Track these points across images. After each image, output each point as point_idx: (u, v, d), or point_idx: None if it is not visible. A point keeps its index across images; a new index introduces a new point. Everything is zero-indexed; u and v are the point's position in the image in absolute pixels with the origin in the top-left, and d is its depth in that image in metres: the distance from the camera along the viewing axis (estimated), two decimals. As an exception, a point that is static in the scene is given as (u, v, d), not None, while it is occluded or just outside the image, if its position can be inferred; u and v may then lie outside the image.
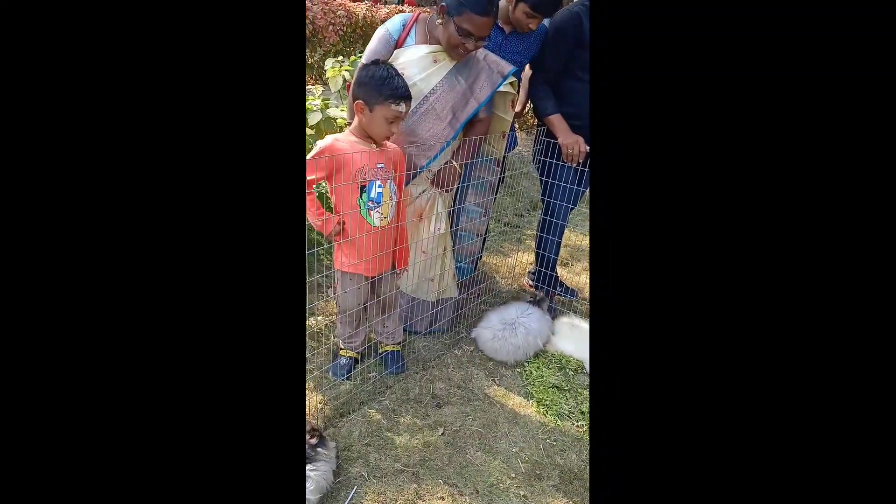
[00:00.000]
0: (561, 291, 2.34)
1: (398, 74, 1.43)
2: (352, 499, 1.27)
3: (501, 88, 1.75)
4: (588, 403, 1.70)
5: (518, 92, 2.08)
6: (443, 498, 1.30)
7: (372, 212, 1.50)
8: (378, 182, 1.49)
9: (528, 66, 2.05)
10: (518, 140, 2.29)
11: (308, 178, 1.38)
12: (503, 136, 1.89)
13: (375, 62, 1.49)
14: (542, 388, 1.74)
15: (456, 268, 2.15)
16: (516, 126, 2.45)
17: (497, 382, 1.76)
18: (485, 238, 2.23)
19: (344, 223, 1.49)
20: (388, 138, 1.49)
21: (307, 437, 1.26)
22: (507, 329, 1.84)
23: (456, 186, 1.81)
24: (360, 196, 1.48)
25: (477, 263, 2.25)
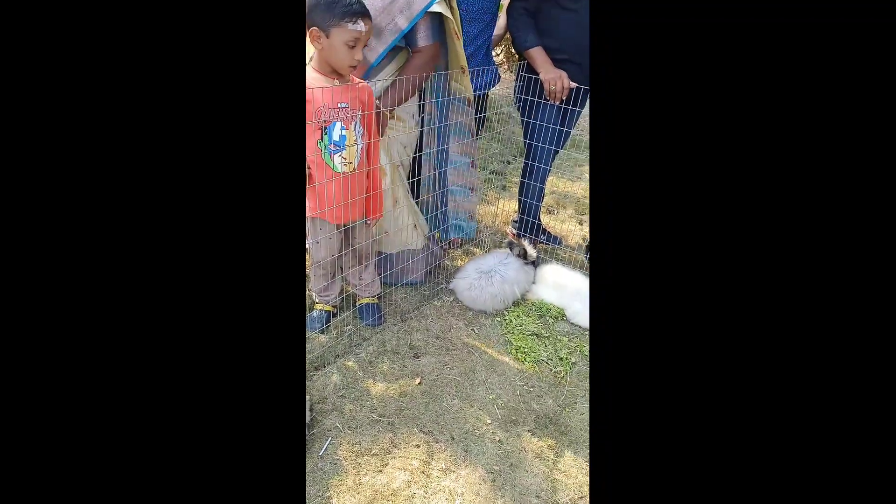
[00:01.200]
0: (545, 239, 2.29)
1: None
2: (325, 450, 1.27)
3: (445, 13, 1.54)
4: (566, 350, 1.69)
5: (493, 22, 1.93)
6: (418, 445, 1.30)
7: (334, 156, 1.41)
8: (340, 123, 1.38)
9: None
10: (500, 75, 2.14)
11: None
12: (465, 72, 1.73)
13: None
14: (520, 335, 1.72)
15: (453, 226, 2.08)
16: (494, 59, 2.31)
17: (476, 332, 1.74)
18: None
19: (309, 167, 1.40)
20: (353, 68, 1.35)
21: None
22: (484, 278, 1.80)
23: (385, 134, 1.64)
24: (322, 139, 1.38)
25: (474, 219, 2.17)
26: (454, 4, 1.59)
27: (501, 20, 2.17)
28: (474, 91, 1.91)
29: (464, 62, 1.69)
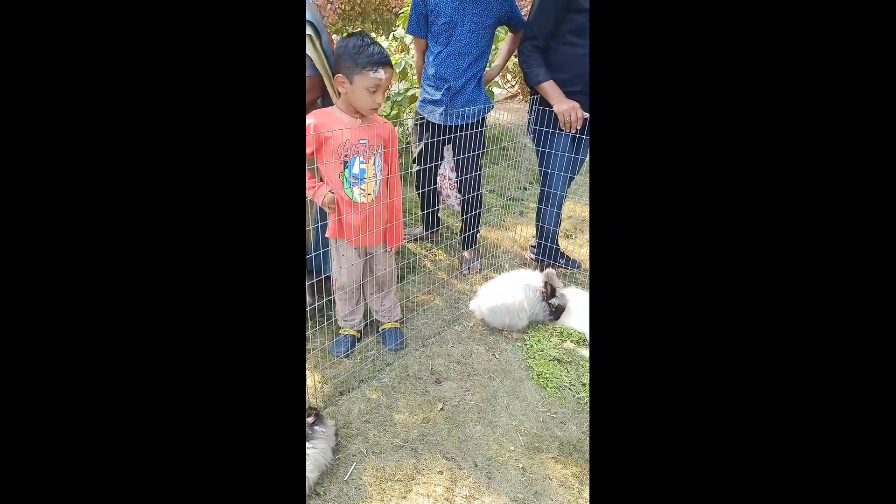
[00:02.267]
0: (563, 263, 2.30)
1: (374, 42, 1.38)
2: (350, 475, 1.28)
3: (310, 53, 1.50)
4: (588, 375, 1.68)
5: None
6: (441, 472, 1.31)
7: (354, 188, 1.48)
8: (360, 158, 1.46)
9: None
10: (492, 104, 2.18)
11: None
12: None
13: (350, 34, 1.43)
14: (542, 361, 1.73)
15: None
16: (509, 91, 2.40)
17: (497, 357, 1.75)
18: (479, 213, 2.20)
19: (335, 193, 1.47)
20: (374, 110, 1.45)
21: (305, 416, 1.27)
22: (505, 292, 1.82)
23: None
24: (343, 172, 1.46)
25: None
26: (317, 45, 1.54)
27: (499, 57, 2.26)
28: (466, 120, 1.99)
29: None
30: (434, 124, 2.04)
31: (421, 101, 2.08)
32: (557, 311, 1.89)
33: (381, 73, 1.37)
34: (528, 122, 2.10)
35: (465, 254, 2.26)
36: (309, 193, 1.47)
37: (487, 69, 2.14)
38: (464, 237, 2.24)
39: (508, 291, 1.82)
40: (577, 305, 1.92)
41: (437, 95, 1.98)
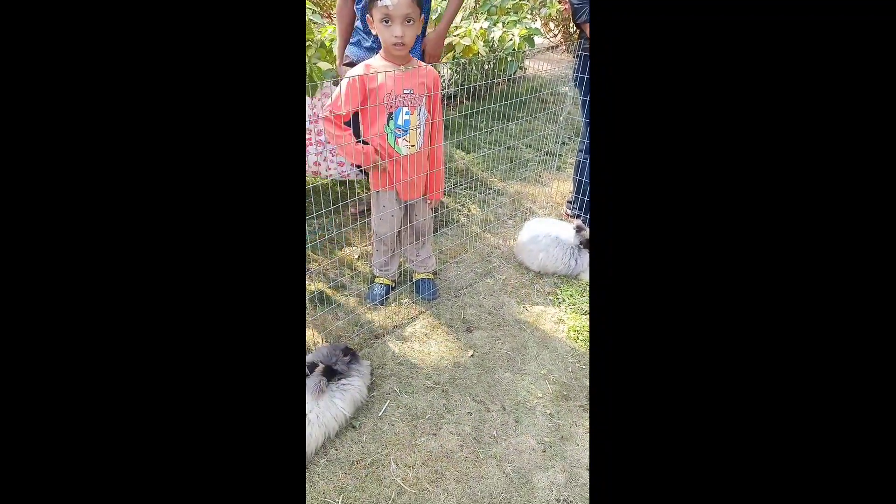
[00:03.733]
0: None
1: None
2: (385, 411, 1.36)
3: None
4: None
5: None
6: (470, 413, 1.36)
7: (399, 140, 1.47)
8: (405, 109, 1.44)
9: None
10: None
11: (345, 109, 1.36)
12: None
13: None
14: (574, 314, 1.73)
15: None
16: (552, 39, 2.26)
17: (528, 309, 1.77)
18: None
19: (378, 153, 1.47)
20: (398, 47, 1.36)
21: (342, 354, 1.34)
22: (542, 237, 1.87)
23: None
24: (388, 123, 1.45)
25: None
26: None
27: (443, 20, 2.00)
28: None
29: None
30: None
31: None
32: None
33: (388, 1, 1.29)
34: (574, 70, 2.01)
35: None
36: (352, 157, 1.45)
37: (429, 32, 1.92)
38: None
39: (549, 230, 1.88)
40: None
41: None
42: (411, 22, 1.34)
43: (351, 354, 1.36)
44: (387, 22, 1.32)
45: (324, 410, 1.23)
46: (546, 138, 3.10)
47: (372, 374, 1.45)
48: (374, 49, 1.74)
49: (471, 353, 1.56)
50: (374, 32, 1.40)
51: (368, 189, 1.64)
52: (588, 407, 1.40)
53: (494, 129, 3.04)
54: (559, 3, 4.04)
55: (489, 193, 2.51)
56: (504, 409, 1.39)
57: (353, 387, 1.31)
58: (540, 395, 1.43)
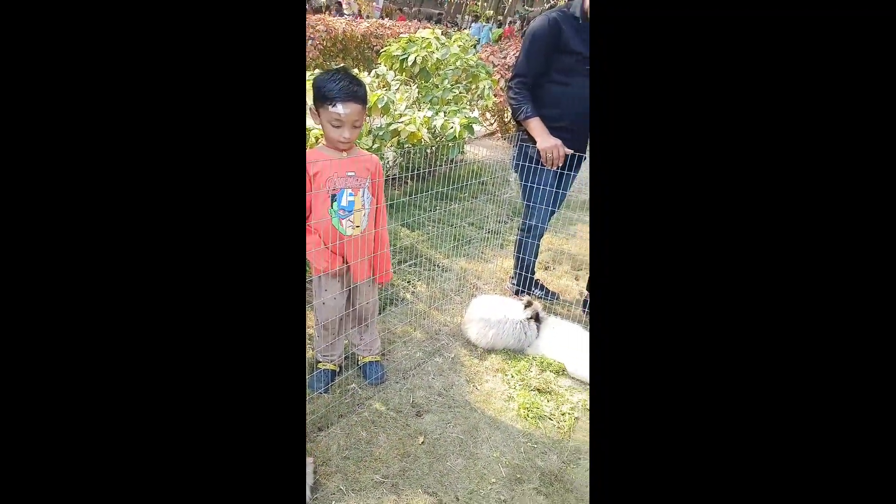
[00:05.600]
0: (541, 294, 2.34)
1: (347, 77, 1.39)
2: (329, 513, 1.25)
3: None
4: (569, 405, 1.70)
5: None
6: (422, 507, 1.29)
7: (343, 220, 1.50)
8: (349, 191, 1.49)
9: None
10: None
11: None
12: None
13: (327, 70, 1.48)
14: (523, 391, 1.73)
15: None
16: (487, 129, 2.46)
17: (478, 388, 1.75)
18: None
19: (321, 238, 1.49)
20: (343, 143, 1.45)
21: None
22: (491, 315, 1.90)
23: None
24: (332, 205, 1.48)
25: None
26: None
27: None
28: None
29: None
30: None
31: None
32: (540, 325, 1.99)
33: (340, 108, 1.37)
34: (512, 157, 2.18)
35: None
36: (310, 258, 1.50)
37: None
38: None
39: (497, 308, 1.92)
40: (557, 335, 1.95)
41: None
42: (358, 125, 1.44)
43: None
44: (336, 126, 1.41)
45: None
46: (488, 218, 3.26)
47: (315, 472, 1.35)
48: None
49: (421, 439, 1.51)
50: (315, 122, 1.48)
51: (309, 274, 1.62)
52: (540, 489, 1.37)
53: (438, 208, 3.17)
54: (494, 96, 4.45)
55: (435, 270, 2.56)
56: (457, 499, 1.32)
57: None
58: (493, 480, 1.39)
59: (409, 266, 2.55)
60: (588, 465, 1.46)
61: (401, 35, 3.73)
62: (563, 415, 1.65)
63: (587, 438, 1.56)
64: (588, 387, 1.80)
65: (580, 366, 1.83)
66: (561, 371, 1.86)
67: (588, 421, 1.64)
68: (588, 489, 1.37)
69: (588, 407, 1.70)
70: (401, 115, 2.83)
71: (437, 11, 18.03)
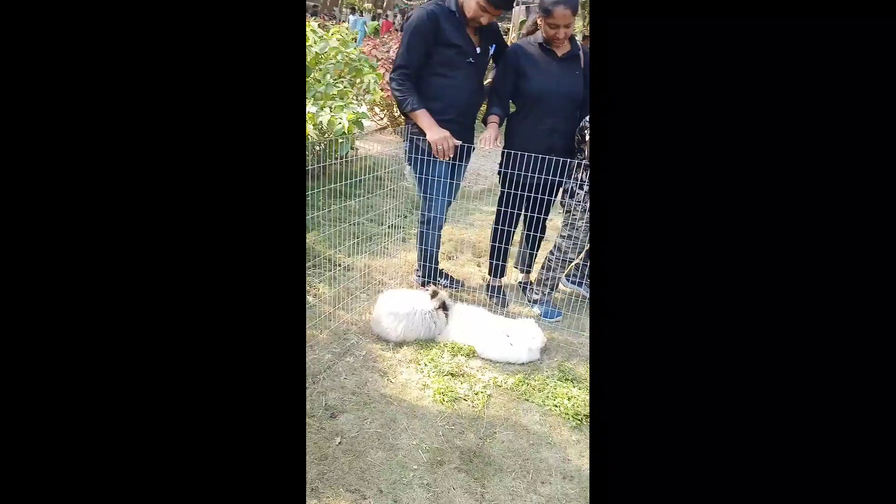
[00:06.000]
0: (446, 283, 2.40)
1: None
2: (244, 533, 1.17)
3: None
4: (481, 384, 1.77)
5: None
6: (346, 507, 1.26)
7: None
8: None
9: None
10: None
11: None
12: None
13: None
14: (437, 377, 1.77)
15: None
16: (378, 123, 2.45)
17: (392, 381, 1.75)
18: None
19: None
20: None
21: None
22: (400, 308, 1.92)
23: None
24: None
25: None
26: None
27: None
28: None
29: None
30: None
31: None
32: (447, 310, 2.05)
33: None
34: (405, 151, 2.19)
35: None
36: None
37: None
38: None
39: (404, 301, 1.93)
40: (465, 320, 2.01)
41: None
42: None
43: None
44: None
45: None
46: (387, 213, 3.24)
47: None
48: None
49: (338, 440, 1.47)
50: None
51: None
52: (461, 468, 1.41)
53: (334, 207, 3.08)
54: (381, 90, 4.43)
55: (337, 270, 2.49)
56: (381, 491, 1.31)
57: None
58: (415, 467, 1.40)
59: (309, 268, 2.45)
60: (504, 438, 1.54)
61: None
62: (476, 394, 1.71)
63: (501, 413, 1.65)
64: (498, 365, 1.89)
65: (488, 347, 1.91)
66: (471, 354, 1.93)
67: (502, 397, 1.73)
68: (508, 459, 1.45)
69: (500, 384, 1.79)
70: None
71: (313, 3, 17.39)
